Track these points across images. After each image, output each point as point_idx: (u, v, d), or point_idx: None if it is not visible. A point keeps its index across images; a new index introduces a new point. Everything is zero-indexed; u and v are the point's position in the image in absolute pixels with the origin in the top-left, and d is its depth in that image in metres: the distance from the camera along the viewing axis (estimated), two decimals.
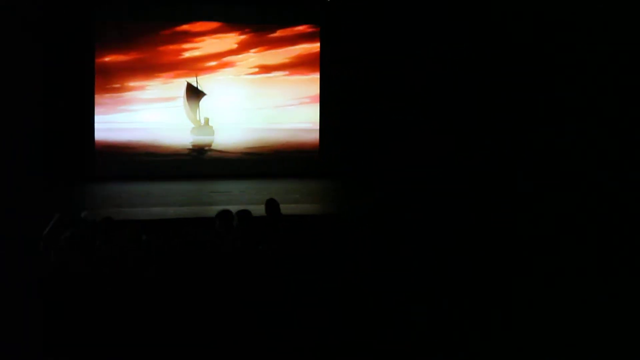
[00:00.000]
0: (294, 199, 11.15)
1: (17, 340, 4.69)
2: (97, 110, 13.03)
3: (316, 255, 5.12)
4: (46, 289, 5.08)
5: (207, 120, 13.66)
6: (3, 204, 7.12)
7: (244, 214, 6.51)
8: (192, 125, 13.63)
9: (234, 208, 7.08)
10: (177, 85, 13.52)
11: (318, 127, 13.99)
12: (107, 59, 13.06)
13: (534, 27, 10.73)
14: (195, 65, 13.54)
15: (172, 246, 5.32)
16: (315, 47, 13.95)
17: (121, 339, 4.53)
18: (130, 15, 12.99)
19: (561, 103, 10.28)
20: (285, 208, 8.78)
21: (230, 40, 13.68)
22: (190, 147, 13.67)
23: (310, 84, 14.01)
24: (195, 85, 13.57)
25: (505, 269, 5.55)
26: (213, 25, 13.57)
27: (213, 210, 7.87)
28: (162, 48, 13.38)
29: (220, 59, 13.65)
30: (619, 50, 9.09)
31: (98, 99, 13.03)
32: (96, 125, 13.04)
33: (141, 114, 13.40)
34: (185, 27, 13.43)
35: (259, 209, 7.51)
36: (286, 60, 13.94)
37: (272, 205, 7.25)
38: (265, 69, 13.86)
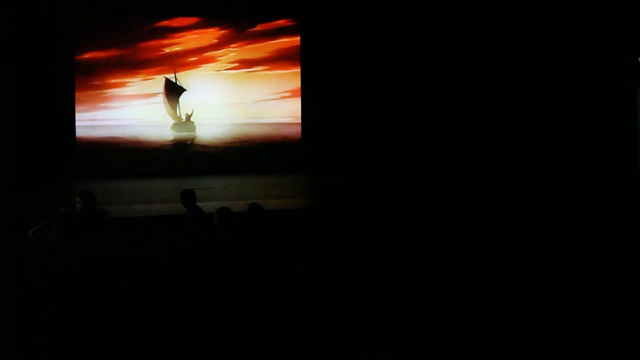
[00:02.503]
0: (277, 193, 11.17)
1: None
2: (77, 107, 12.96)
3: (296, 250, 5.18)
4: (32, 288, 5.08)
5: (188, 116, 13.64)
6: None
7: (225, 211, 6.55)
8: (173, 122, 13.62)
9: (216, 204, 7.10)
10: (158, 82, 13.49)
11: (300, 121, 14.01)
12: (86, 56, 12.99)
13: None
14: (176, 61, 13.51)
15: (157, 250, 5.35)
16: (295, 40, 13.96)
17: (109, 339, 4.54)
18: (109, 10, 12.91)
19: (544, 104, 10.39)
20: (269, 203, 8.82)
21: (210, 35, 13.66)
22: (172, 143, 13.65)
23: (291, 78, 14.02)
24: (174, 81, 13.54)
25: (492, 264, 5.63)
26: (193, 20, 13.55)
27: None
28: (142, 44, 13.33)
29: (200, 54, 13.63)
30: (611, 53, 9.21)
31: (78, 96, 12.97)
32: (77, 123, 12.98)
33: (122, 110, 13.36)
34: (164, 22, 13.39)
35: (241, 205, 7.55)
36: (267, 55, 13.93)
37: (188, 196, 7.39)
38: (246, 63, 13.85)
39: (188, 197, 7.43)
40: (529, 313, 4.88)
